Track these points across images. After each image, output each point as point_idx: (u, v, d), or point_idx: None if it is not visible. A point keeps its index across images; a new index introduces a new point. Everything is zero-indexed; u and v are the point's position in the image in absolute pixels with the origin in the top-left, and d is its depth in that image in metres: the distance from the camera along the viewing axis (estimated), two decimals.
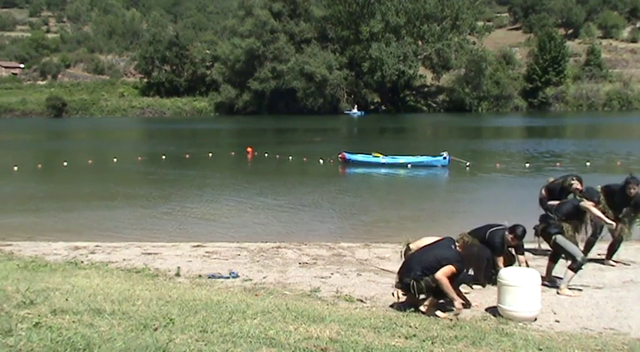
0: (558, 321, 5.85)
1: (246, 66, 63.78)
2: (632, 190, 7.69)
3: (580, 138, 33.98)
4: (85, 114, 70.45)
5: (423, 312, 5.89)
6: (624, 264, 8.12)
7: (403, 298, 6.24)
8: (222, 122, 55.22)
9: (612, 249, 8.15)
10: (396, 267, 6.35)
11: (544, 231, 7.17)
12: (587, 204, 7.25)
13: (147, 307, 5.01)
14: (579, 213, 7.23)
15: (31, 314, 4.26)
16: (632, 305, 6.29)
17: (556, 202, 7.85)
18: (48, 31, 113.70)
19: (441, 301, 6.03)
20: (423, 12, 63.36)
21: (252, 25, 64.08)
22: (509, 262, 6.92)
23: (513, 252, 7.00)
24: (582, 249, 7.79)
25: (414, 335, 4.73)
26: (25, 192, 16.95)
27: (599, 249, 8.25)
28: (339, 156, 22.02)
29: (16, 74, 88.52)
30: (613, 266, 8.03)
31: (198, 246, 9.68)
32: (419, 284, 5.83)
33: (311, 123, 47.28)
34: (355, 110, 62.03)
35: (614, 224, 7.54)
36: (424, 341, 4.57)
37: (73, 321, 4.17)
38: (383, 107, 66.05)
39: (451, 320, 5.60)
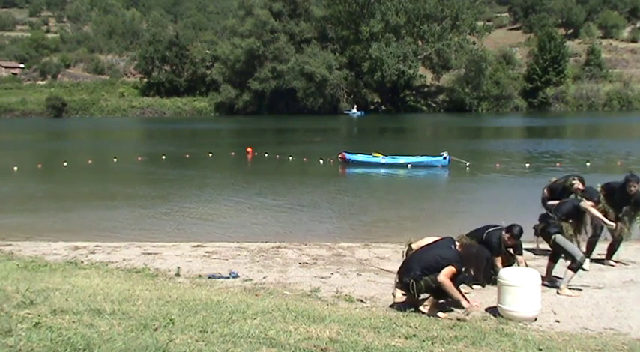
0: (558, 321, 5.85)
1: (246, 66, 63.78)
2: (633, 188, 7.69)
3: (580, 138, 33.98)
4: (85, 114, 70.45)
5: (423, 312, 5.88)
6: (623, 263, 8.12)
7: (401, 298, 6.24)
8: (222, 122, 55.22)
9: (612, 249, 8.15)
10: (396, 267, 6.35)
11: (543, 230, 7.17)
12: (586, 204, 7.25)
13: (147, 307, 5.01)
14: (579, 213, 7.23)
15: (31, 314, 4.26)
16: (632, 305, 6.29)
17: (556, 202, 7.85)
18: (48, 31, 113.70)
19: (442, 301, 6.03)
20: (423, 12, 63.35)
21: (252, 25, 64.07)
22: (509, 262, 6.91)
23: (512, 252, 7.00)
24: (585, 250, 7.81)
25: (414, 335, 4.73)
26: (25, 192, 16.95)
27: (599, 249, 8.25)
28: (339, 156, 22.02)
29: (16, 74, 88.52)
30: (613, 266, 8.04)
31: (198, 246, 9.68)
32: (418, 284, 5.83)
33: (311, 123, 47.28)
34: (355, 110, 62.04)
35: (613, 224, 7.55)
36: (424, 341, 4.57)
37: (73, 321, 4.17)
38: (383, 107, 66.05)
39: (463, 319, 5.58)
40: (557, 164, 20.15)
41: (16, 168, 21.26)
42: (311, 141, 32.69)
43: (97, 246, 9.71)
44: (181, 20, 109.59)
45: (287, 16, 66.04)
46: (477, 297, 6.44)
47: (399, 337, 4.65)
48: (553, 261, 7.22)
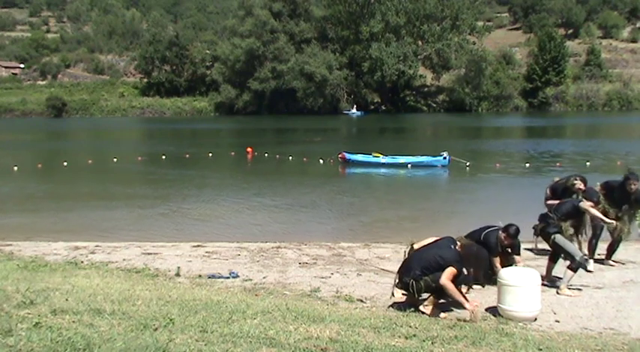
0: (558, 321, 5.85)
1: (246, 66, 63.79)
2: (633, 186, 7.69)
3: (580, 138, 33.99)
4: (85, 114, 70.45)
5: (423, 312, 5.88)
6: (621, 263, 8.12)
7: (401, 297, 6.23)
8: (222, 122, 55.22)
9: (612, 249, 8.15)
10: (396, 267, 6.34)
11: (543, 230, 7.17)
12: (586, 204, 7.25)
13: (147, 307, 5.01)
14: (578, 213, 7.23)
15: (31, 314, 4.26)
16: (632, 305, 6.29)
17: (555, 201, 7.85)
18: (48, 31, 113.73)
19: (442, 301, 6.03)
20: (423, 12, 63.36)
21: (252, 25, 64.08)
22: (508, 262, 6.91)
23: (510, 252, 6.99)
24: (587, 252, 7.82)
25: (414, 335, 4.73)
26: (24, 192, 16.95)
27: (599, 248, 8.25)
28: (339, 156, 22.02)
29: (16, 74, 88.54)
30: (613, 266, 8.04)
31: (198, 246, 9.68)
32: (418, 283, 5.82)
33: (311, 123, 47.28)
34: (354, 110, 62.06)
35: (614, 222, 7.55)
36: (424, 341, 4.57)
37: (73, 321, 4.17)
38: (383, 107, 66.06)
39: (472, 320, 5.56)
40: (557, 164, 20.16)
41: (16, 168, 21.26)
42: (311, 141, 32.70)
43: (97, 246, 9.71)
44: (181, 20, 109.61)
45: (287, 16, 66.04)
46: (477, 297, 6.44)
47: (399, 337, 4.65)
48: (553, 260, 7.22)
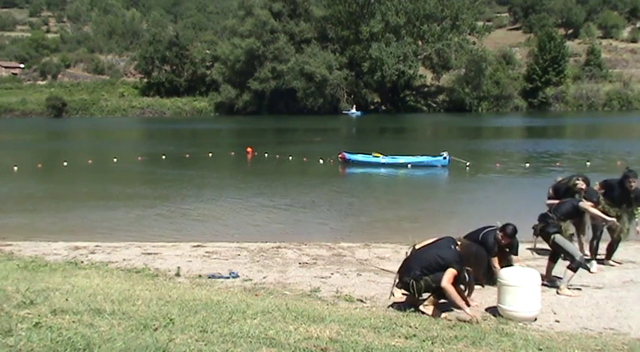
0: (558, 321, 5.85)
1: (246, 66, 63.79)
2: (632, 183, 7.69)
3: (580, 138, 33.98)
4: (85, 114, 70.46)
5: (423, 312, 5.88)
6: (619, 263, 8.12)
7: (400, 297, 6.23)
8: (222, 122, 55.23)
9: (611, 249, 8.15)
10: (396, 267, 6.34)
11: (543, 230, 7.17)
12: (585, 204, 7.25)
13: (147, 307, 5.01)
14: (578, 212, 7.23)
15: (31, 314, 4.26)
16: (632, 305, 6.29)
17: (555, 201, 7.85)
18: (48, 31, 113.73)
19: (442, 301, 6.02)
20: (423, 12, 63.33)
21: (252, 25, 64.08)
22: (508, 263, 6.91)
23: (507, 251, 6.99)
24: (588, 253, 7.82)
25: (414, 335, 4.73)
26: (25, 192, 16.95)
27: (599, 249, 8.24)
28: (339, 156, 22.02)
29: (16, 74, 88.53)
30: (613, 266, 8.04)
31: (198, 246, 9.68)
32: (418, 283, 5.82)
33: (311, 123, 47.29)
34: (354, 110, 62.07)
35: (614, 219, 7.55)
36: (424, 341, 4.57)
37: (73, 321, 4.17)
38: (383, 107, 66.05)
39: (475, 322, 5.56)
40: (557, 164, 20.16)
41: (16, 168, 21.26)
42: (311, 141, 32.70)
43: (97, 246, 9.71)
44: (181, 20, 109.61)
45: (287, 16, 66.04)
46: (477, 297, 6.44)
47: (399, 337, 4.65)
48: (553, 260, 7.22)
